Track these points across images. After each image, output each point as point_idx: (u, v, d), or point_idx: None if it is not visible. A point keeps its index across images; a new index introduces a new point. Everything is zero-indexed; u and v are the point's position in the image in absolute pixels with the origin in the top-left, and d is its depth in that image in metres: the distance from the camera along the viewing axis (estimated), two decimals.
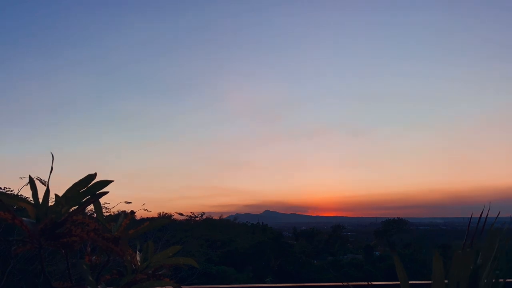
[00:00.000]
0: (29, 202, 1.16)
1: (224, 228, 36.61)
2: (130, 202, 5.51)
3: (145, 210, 6.32)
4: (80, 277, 1.38)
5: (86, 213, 1.63)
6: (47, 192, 1.16)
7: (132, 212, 1.50)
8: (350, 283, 2.14)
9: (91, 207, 1.41)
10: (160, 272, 1.55)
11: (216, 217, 42.70)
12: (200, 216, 34.32)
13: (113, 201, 7.02)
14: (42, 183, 1.21)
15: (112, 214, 7.12)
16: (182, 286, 1.60)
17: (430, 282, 1.25)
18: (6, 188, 9.06)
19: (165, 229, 12.67)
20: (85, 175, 1.17)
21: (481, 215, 1.27)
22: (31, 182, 1.18)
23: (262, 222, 46.31)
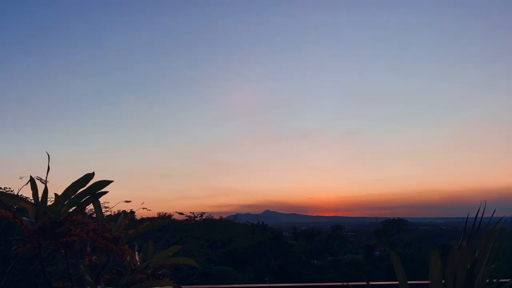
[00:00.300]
0: (29, 202, 1.16)
1: (224, 228, 36.62)
2: (129, 201, 5.52)
3: (144, 209, 6.32)
4: (80, 277, 1.39)
5: (86, 213, 1.64)
6: (45, 191, 1.16)
7: (132, 212, 1.51)
8: (350, 283, 2.14)
9: (91, 207, 1.42)
10: (159, 272, 1.55)
11: (216, 217, 42.72)
12: (200, 216, 34.33)
13: (113, 201, 7.03)
14: (43, 183, 1.22)
15: (112, 214, 7.13)
16: (182, 286, 1.60)
17: (428, 282, 1.25)
18: (6, 188, 9.07)
19: (165, 229, 12.68)
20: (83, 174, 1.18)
21: (476, 214, 1.27)
22: (32, 182, 1.18)
23: (262, 222, 46.32)
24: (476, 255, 1.21)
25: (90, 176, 1.16)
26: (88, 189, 1.16)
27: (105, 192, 1.17)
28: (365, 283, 2.26)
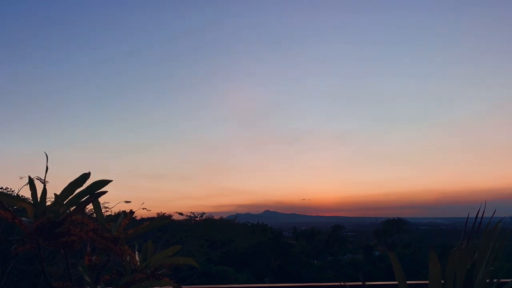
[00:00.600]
0: (28, 202, 1.16)
1: (224, 228, 36.58)
2: (129, 202, 5.51)
3: (143, 209, 6.32)
4: (80, 277, 1.39)
5: (86, 213, 1.64)
6: (44, 191, 1.16)
7: (132, 212, 1.50)
8: (350, 283, 2.14)
9: (91, 207, 1.42)
10: (159, 272, 1.55)
11: (216, 217, 42.69)
12: (200, 216, 34.30)
13: (113, 201, 7.02)
14: (42, 183, 1.22)
15: (112, 214, 7.12)
16: (182, 286, 1.60)
17: (428, 282, 1.25)
18: (6, 188, 9.07)
19: (165, 229, 12.68)
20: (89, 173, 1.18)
21: (477, 215, 1.27)
22: (31, 182, 1.18)
23: (262, 222, 46.27)
24: (476, 255, 1.21)
25: (86, 176, 1.15)
26: (87, 189, 1.16)
27: (104, 192, 1.17)
28: (361, 283, 2.26)
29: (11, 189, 9.05)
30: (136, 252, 1.58)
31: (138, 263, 1.56)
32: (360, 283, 2.32)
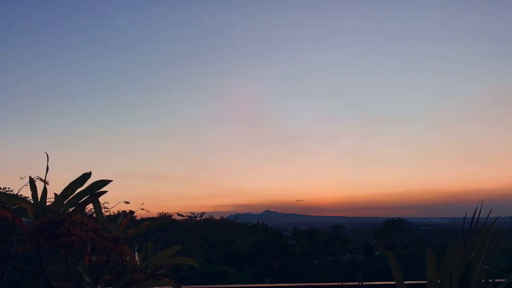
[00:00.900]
0: (28, 202, 1.17)
1: (224, 228, 36.57)
2: (128, 202, 5.52)
3: (143, 209, 6.32)
4: (81, 277, 1.39)
5: (86, 213, 1.64)
6: (44, 191, 1.17)
7: (132, 212, 1.51)
8: (348, 283, 2.15)
9: (91, 207, 1.43)
10: (159, 272, 1.55)
11: (216, 217, 42.67)
12: (200, 216, 34.30)
13: (113, 201, 7.03)
14: (44, 182, 1.22)
15: (112, 214, 7.12)
16: (182, 286, 1.60)
17: (426, 282, 1.26)
18: (6, 188, 9.07)
19: (165, 229, 12.68)
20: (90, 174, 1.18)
21: (474, 214, 1.28)
22: (31, 182, 1.19)
23: (262, 222, 46.24)
24: (472, 255, 1.22)
25: (87, 175, 1.16)
26: (87, 189, 1.16)
27: (104, 192, 1.17)
28: (359, 283, 2.26)
29: (10, 188, 9.06)
30: (136, 252, 1.59)
31: (138, 263, 1.56)
32: (357, 283, 2.33)
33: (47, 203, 1.19)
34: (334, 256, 34.14)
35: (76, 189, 1.16)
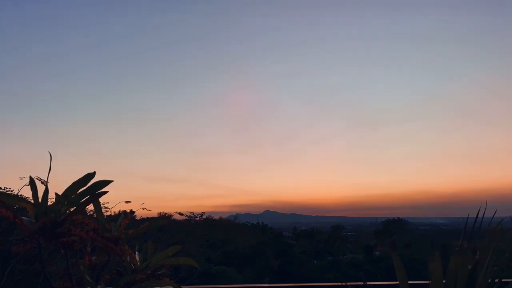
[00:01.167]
0: (29, 202, 1.16)
1: (224, 228, 36.54)
2: (129, 202, 5.51)
3: (144, 209, 6.32)
4: (81, 277, 1.39)
5: (86, 213, 1.64)
6: (46, 191, 1.16)
7: (132, 212, 1.50)
8: (351, 283, 2.14)
9: (92, 207, 1.42)
10: (159, 272, 1.55)
11: (216, 217, 42.64)
12: (200, 216, 34.26)
13: (113, 201, 7.03)
14: (42, 183, 1.22)
15: (112, 214, 7.13)
16: (182, 286, 1.60)
17: (429, 282, 1.25)
18: (6, 188, 9.07)
19: (165, 229, 12.69)
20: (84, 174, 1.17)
21: (477, 215, 1.27)
22: (31, 182, 1.18)
23: (262, 222, 46.23)
24: (477, 255, 1.21)
25: (91, 175, 1.15)
26: (88, 189, 1.16)
27: (105, 192, 1.17)
28: (361, 283, 2.25)
29: (10, 188, 9.05)
30: (136, 252, 1.58)
31: (138, 263, 1.56)
32: (361, 283, 2.32)
33: (48, 203, 1.18)
34: (334, 256, 34.14)
35: (79, 189, 1.15)
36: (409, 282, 1.28)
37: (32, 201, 1.16)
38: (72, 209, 1.16)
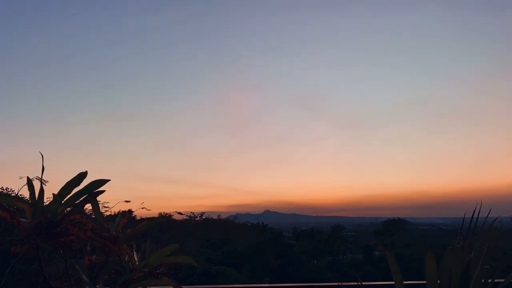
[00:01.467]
0: (26, 202, 1.17)
1: (224, 228, 36.53)
2: (129, 201, 5.52)
3: (143, 209, 6.32)
4: (80, 277, 1.39)
5: (85, 213, 1.64)
6: (41, 191, 1.16)
7: (130, 211, 1.51)
8: (348, 283, 2.15)
9: (90, 206, 1.43)
10: (157, 271, 1.55)
11: (216, 217, 42.62)
12: (200, 216, 34.26)
13: (113, 201, 7.04)
14: (41, 182, 1.22)
15: (112, 213, 7.14)
16: (182, 286, 1.60)
17: (425, 282, 1.25)
18: (6, 188, 9.07)
19: (164, 229, 12.70)
20: (90, 175, 1.18)
21: (473, 214, 1.28)
22: (29, 182, 1.19)
23: (262, 222, 46.21)
24: (471, 255, 1.21)
25: (83, 175, 1.16)
26: (85, 189, 1.16)
27: (102, 191, 1.17)
28: (361, 283, 2.26)
29: (9, 189, 9.06)
30: (135, 251, 1.59)
31: (137, 263, 1.56)
32: (356, 283, 2.33)
33: (47, 203, 1.19)
34: (334, 256, 34.14)
35: (73, 188, 1.15)
36: (406, 282, 1.28)
37: (30, 202, 1.16)
38: (69, 209, 1.16)
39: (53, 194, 1.16)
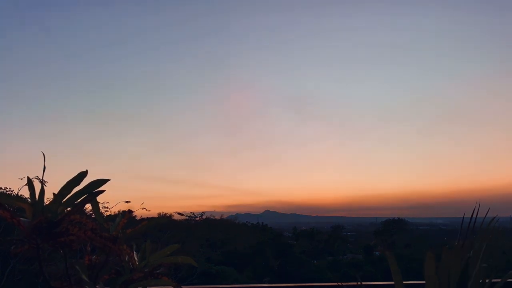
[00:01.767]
0: (27, 202, 1.17)
1: (224, 228, 36.55)
2: (129, 202, 5.53)
3: (143, 209, 6.33)
4: (80, 277, 1.39)
5: (85, 213, 1.65)
6: (41, 191, 1.17)
7: (130, 211, 1.51)
8: (347, 283, 2.15)
9: (90, 206, 1.43)
10: (158, 271, 1.56)
11: (216, 217, 42.64)
12: (200, 216, 34.27)
13: (113, 201, 7.05)
14: (41, 182, 1.22)
15: (112, 214, 7.15)
16: (182, 286, 1.61)
17: (425, 282, 1.26)
18: (7, 188, 9.08)
19: (165, 229, 12.71)
20: (90, 176, 1.18)
21: (472, 214, 1.28)
22: (29, 182, 1.19)
23: (262, 222, 46.24)
24: (470, 254, 1.22)
25: (84, 174, 1.16)
26: (85, 188, 1.16)
27: (102, 191, 1.17)
28: (361, 283, 2.26)
29: (10, 189, 9.06)
30: (135, 251, 1.59)
31: (137, 263, 1.56)
32: (355, 283, 2.33)
33: (47, 203, 1.19)
34: (334, 256, 34.16)
35: (73, 188, 1.15)
36: (405, 282, 1.28)
37: (30, 201, 1.16)
38: (69, 209, 1.16)
39: (54, 193, 1.16)
